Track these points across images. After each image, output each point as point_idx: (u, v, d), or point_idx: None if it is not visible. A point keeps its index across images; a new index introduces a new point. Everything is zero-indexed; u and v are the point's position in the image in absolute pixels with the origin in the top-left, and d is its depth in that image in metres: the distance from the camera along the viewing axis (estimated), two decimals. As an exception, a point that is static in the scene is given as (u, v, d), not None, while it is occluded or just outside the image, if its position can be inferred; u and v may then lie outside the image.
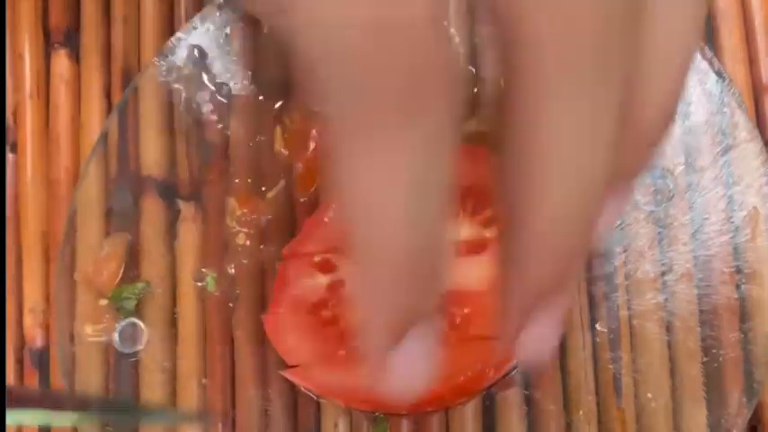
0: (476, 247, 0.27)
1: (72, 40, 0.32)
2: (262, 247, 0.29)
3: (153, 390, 0.29)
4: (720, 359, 0.28)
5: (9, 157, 0.32)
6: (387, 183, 0.13)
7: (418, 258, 0.14)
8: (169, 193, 0.30)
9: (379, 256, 0.14)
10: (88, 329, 0.29)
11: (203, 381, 0.29)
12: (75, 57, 0.32)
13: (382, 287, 0.15)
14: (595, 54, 0.13)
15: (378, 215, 0.14)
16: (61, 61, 0.32)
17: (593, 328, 0.28)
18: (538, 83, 0.14)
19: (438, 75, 0.13)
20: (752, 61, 0.31)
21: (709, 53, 0.29)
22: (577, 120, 0.14)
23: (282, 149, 0.30)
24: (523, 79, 0.14)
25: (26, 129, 0.32)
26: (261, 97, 0.30)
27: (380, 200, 0.14)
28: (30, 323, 0.31)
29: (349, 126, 0.13)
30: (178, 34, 0.30)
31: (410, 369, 0.16)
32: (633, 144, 0.15)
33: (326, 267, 0.28)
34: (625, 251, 0.29)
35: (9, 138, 0.32)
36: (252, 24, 0.30)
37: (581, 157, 0.14)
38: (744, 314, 0.28)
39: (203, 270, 0.29)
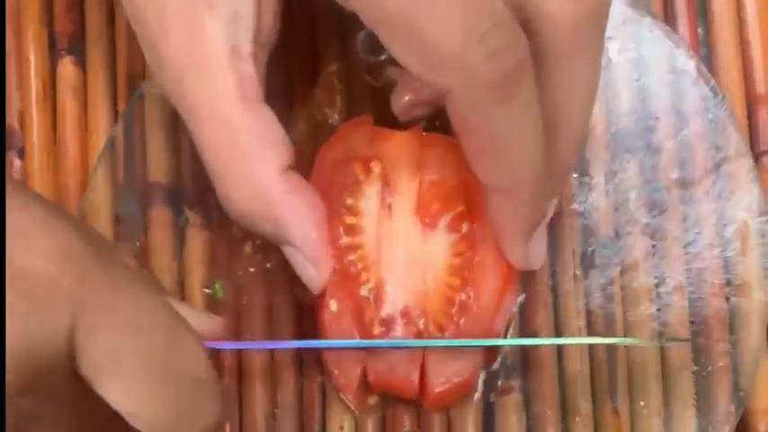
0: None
1: (78, 47, 0.33)
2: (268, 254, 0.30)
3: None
4: (710, 368, 0.29)
5: (16, 163, 0.32)
6: (521, 121, 0.22)
7: (543, 172, 0.23)
8: (176, 200, 0.31)
9: (523, 174, 0.23)
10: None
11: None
12: (82, 64, 0.32)
13: (526, 197, 0.24)
14: (595, 25, 0.23)
15: (518, 143, 0.22)
16: (67, 68, 0.32)
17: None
18: (559, 48, 0.22)
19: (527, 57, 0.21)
20: (746, 72, 0.32)
21: (704, 69, 0.30)
22: (585, 73, 0.23)
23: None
24: (547, 46, 0.22)
25: (33, 135, 0.32)
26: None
27: (519, 132, 0.22)
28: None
29: (488, 96, 0.21)
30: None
31: (539, 246, 0.27)
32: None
33: None
34: (621, 263, 0.30)
35: (16, 144, 0.32)
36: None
37: (588, 99, 0.24)
38: (732, 325, 0.29)
39: (211, 278, 0.30)
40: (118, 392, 0.18)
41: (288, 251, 0.26)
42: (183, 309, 0.22)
